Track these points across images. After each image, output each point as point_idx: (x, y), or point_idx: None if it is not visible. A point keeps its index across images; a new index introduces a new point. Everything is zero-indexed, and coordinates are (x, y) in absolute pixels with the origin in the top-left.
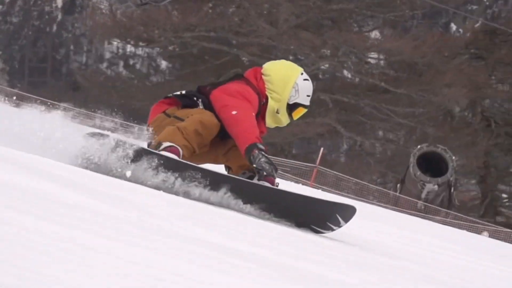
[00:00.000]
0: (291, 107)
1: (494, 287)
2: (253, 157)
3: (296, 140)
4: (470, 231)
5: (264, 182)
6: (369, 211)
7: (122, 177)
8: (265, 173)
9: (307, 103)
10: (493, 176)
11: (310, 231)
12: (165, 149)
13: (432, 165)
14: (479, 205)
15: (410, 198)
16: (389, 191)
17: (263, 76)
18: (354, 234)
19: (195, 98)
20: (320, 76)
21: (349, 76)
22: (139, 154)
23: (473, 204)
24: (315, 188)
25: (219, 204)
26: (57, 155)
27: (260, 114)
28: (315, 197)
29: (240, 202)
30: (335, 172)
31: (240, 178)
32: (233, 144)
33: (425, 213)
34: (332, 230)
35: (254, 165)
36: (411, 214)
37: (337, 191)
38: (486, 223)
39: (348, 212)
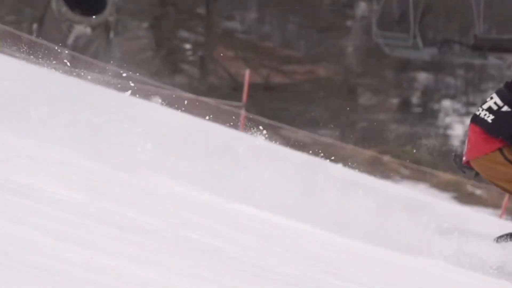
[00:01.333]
0: None
1: None
2: None
3: None
4: (137, 96)
5: None
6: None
7: None
8: None
9: None
10: (171, 18)
11: None
12: None
13: None
14: (151, 58)
15: (52, 45)
16: (21, 34)
17: None
18: None
19: None
20: None
21: None
22: None
23: (143, 57)
24: None
25: None
26: None
27: None
28: None
29: None
30: None
31: None
32: None
33: (71, 66)
34: None
35: None
36: (51, 67)
37: None
38: (161, 85)
39: None
